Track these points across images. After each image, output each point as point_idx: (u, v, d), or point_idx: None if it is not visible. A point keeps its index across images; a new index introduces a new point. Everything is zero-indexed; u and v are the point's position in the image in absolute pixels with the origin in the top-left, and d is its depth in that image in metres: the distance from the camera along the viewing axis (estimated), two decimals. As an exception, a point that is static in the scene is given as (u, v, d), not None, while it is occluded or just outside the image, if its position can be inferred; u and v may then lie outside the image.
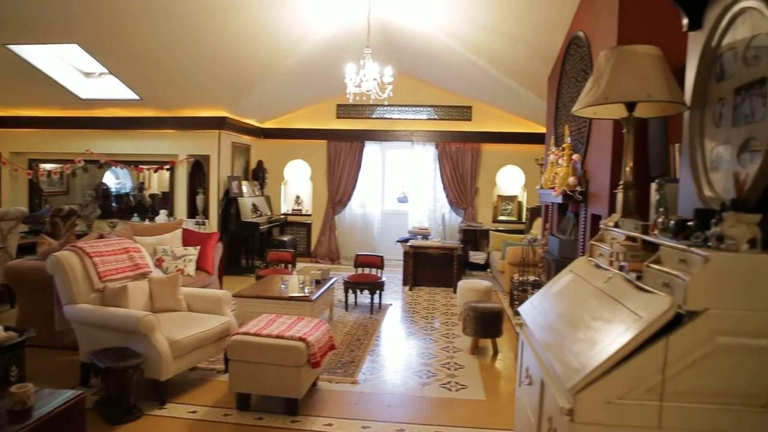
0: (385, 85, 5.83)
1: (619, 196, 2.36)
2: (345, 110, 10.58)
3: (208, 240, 6.95)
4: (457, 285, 7.09)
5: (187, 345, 3.99)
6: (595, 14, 4.92)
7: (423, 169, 10.53)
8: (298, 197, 11.27)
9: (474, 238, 10.01)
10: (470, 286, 6.32)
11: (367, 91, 5.76)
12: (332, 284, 6.25)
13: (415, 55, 8.48)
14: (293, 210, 11.22)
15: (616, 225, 2.28)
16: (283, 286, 5.65)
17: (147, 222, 8.86)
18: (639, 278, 1.82)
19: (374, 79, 5.76)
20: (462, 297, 6.30)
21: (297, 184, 11.28)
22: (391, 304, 7.36)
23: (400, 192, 10.98)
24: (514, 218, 10.37)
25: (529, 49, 6.66)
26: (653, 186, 2.34)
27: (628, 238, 2.10)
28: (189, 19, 5.94)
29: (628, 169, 2.35)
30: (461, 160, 10.31)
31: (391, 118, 10.55)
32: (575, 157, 4.98)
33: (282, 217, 10.90)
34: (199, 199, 9.18)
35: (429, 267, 8.49)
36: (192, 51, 6.77)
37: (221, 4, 5.71)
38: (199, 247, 6.71)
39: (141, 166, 9.50)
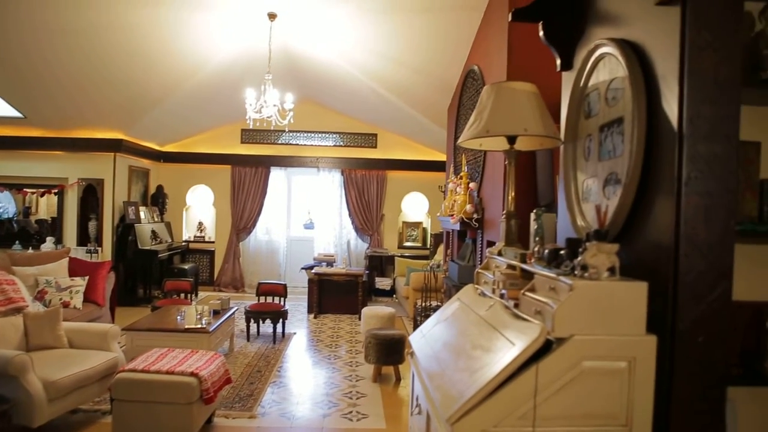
0: (286, 111, 5.80)
1: (502, 225, 2.46)
2: (250, 135, 10.41)
3: (99, 269, 6.53)
4: (362, 312, 7.08)
5: (66, 385, 3.68)
6: (487, 50, 5.18)
7: (329, 196, 10.53)
8: (200, 223, 10.89)
9: (380, 264, 10.09)
10: (374, 312, 6.34)
11: (268, 117, 5.70)
12: (232, 314, 6.05)
13: (320, 82, 8.52)
14: (196, 237, 10.82)
15: (500, 253, 2.36)
16: (179, 317, 5.39)
17: (30, 250, 8.18)
18: (517, 306, 1.89)
19: (275, 106, 5.71)
20: (366, 324, 6.29)
21: (200, 209, 10.91)
22: (295, 333, 7.22)
23: (307, 218, 10.89)
24: (419, 244, 10.57)
25: (430, 80, 6.89)
26: (532, 215, 2.46)
27: (509, 266, 2.18)
28: (82, 35, 5.63)
29: (510, 198, 2.46)
30: (367, 187, 10.41)
31: (297, 144, 10.50)
32: (472, 185, 5.16)
33: (183, 244, 10.46)
34: (92, 225, 8.62)
35: (334, 294, 8.43)
36: (85, 68, 6.40)
37: (117, 21, 5.46)
38: (87, 278, 6.29)
39: (25, 190, 8.82)
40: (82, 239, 8.72)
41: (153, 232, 9.34)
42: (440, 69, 6.53)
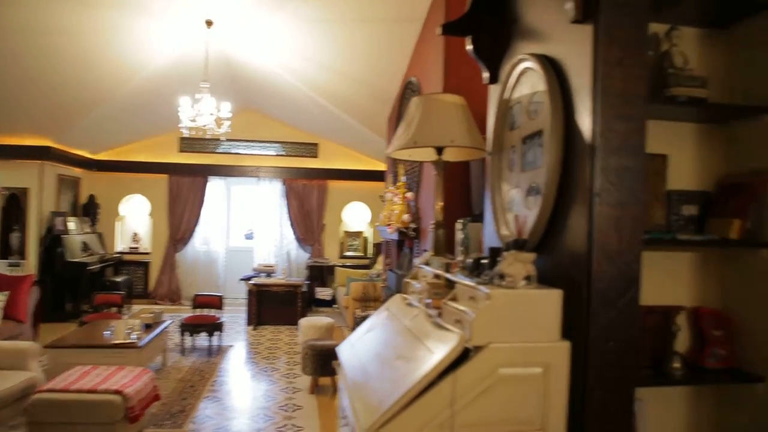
0: (222, 120, 5.70)
1: (430, 235, 2.49)
2: (188, 144, 10.15)
3: (21, 283, 6.19)
4: (299, 323, 6.99)
5: (-23, 408, 3.46)
6: (425, 63, 5.26)
7: (269, 206, 10.39)
8: (135, 234, 10.51)
9: (321, 274, 10.02)
10: (312, 323, 6.28)
11: (204, 126, 5.58)
12: (166, 327, 5.86)
13: (260, 90, 8.43)
14: (130, 248, 10.42)
15: (427, 263, 2.38)
16: (107, 332, 5.17)
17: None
18: (440, 315, 1.91)
19: (211, 114, 5.60)
20: (304, 335, 6.22)
21: (135, 220, 10.53)
22: (232, 346, 7.06)
23: (247, 228, 10.70)
24: (360, 254, 10.56)
25: (370, 90, 6.93)
26: (457, 225, 2.50)
27: (435, 275, 2.20)
28: (10, 36, 5.35)
29: (438, 208, 2.49)
30: (308, 197, 10.34)
31: (237, 153, 10.32)
32: (409, 195, 5.21)
33: (117, 255, 10.06)
34: (15, 236, 8.17)
35: (273, 305, 8.30)
36: (11, 71, 6.05)
37: (47, 23, 5.22)
38: (8, 293, 5.95)
39: (-62, 199, 8.26)
40: (4, 251, 8.24)
41: (84, 243, 8.96)
42: (380, 80, 6.57)
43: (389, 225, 5.40)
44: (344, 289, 8.91)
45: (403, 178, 5.37)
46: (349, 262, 10.25)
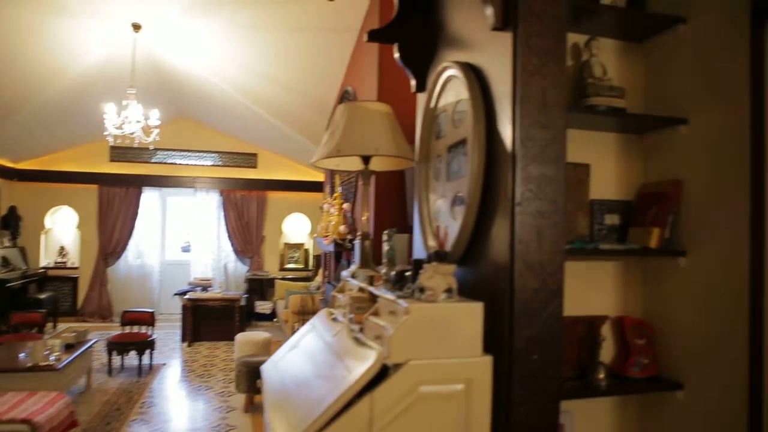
0: (151, 128, 5.46)
1: (357, 246, 2.41)
2: (120, 153, 9.73)
3: (-73, 303, 5.72)
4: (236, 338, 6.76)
5: None
6: (360, 72, 5.22)
7: (207, 218, 10.08)
8: (62, 248, 9.95)
9: (261, 287, 9.78)
10: (248, 338, 6.07)
11: (131, 134, 5.33)
12: (90, 347, 5.53)
13: (195, 98, 8.18)
14: (56, 263, 9.85)
15: (354, 276, 2.30)
16: (22, 354, 4.82)
17: None
18: (362, 331, 1.83)
19: (138, 122, 5.36)
20: (240, 351, 6.00)
21: (62, 233, 9.99)
22: (165, 364, 6.75)
23: (184, 241, 10.34)
24: (301, 266, 10.38)
25: (307, 100, 6.83)
26: (383, 236, 2.43)
27: (360, 289, 2.12)
28: None
29: (364, 219, 2.41)
30: (247, 208, 10.10)
31: (173, 163, 9.98)
32: (346, 206, 5.13)
33: (41, 271, 9.49)
34: (-76, 253, 7.59)
35: (210, 320, 8.02)
36: None
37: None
38: None
39: None
40: None
41: (3, 258, 8.41)
42: (317, 89, 6.49)
43: (326, 237, 5.31)
44: (284, 303, 8.72)
45: (339, 189, 5.29)
46: (290, 275, 10.06)
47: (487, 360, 1.61)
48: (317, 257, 9.50)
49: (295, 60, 5.96)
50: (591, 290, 2.15)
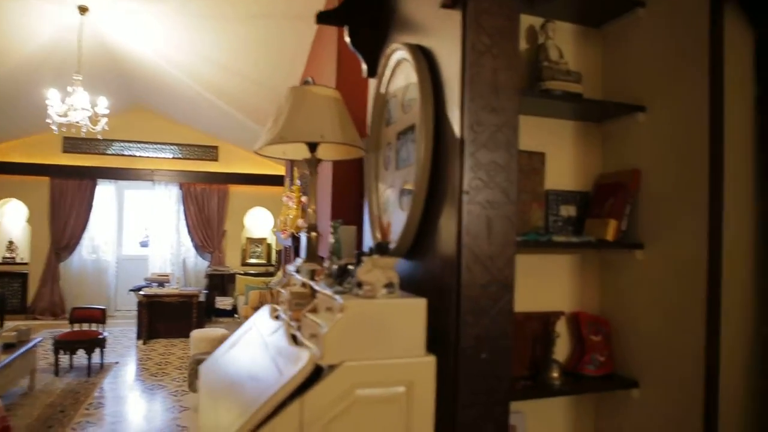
0: (99, 116, 5.20)
1: (303, 239, 2.27)
2: (74, 144, 9.35)
3: None
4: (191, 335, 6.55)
5: None
6: (320, 61, 5.06)
7: (166, 212, 9.78)
8: (11, 243, 9.53)
9: (221, 282, 9.54)
10: (204, 335, 5.87)
11: (77, 122, 5.06)
12: (33, 346, 5.26)
13: (151, 88, 7.88)
14: (4, 258, 9.44)
15: (298, 270, 2.17)
16: (-42, 354, 4.55)
17: None
18: (299, 329, 1.70)
19: (84, 110, 5.09)
20: (195, 348, 5.80)
21: (10, 227, 9.56)
22: (117, 363, 6.50)
23: (143, 235, 10.02)
24: (264, 261, 10.17)
25: (267, 91, 6.63)
26: (329, 228, 2.30)
27: (303, 284, 1.99)
28: None
29: (311, 210, 2.28)
30: (207, 202, 9.84)
31: (130, 155, 9.65)
32: (304, 199, 4.97)
33: (-12, 267, 9.10)
34: None
35: (167, 317, 7.77)
36: None
37: None
38: None
39: None
40: None
41: (-54, 253, 8.00)
42: (276, 80, 6.29)
43: (284, 230, 5.14)
44: (244, 298, 8.52)
45: (297, 181, 5.12)
46: (252, 270, 9.84)
47: (431, 360, 1.50)
48: (279, 252, 9.31)
49: (254, 49, 5.76)
50: (545, 285, 2.06)
